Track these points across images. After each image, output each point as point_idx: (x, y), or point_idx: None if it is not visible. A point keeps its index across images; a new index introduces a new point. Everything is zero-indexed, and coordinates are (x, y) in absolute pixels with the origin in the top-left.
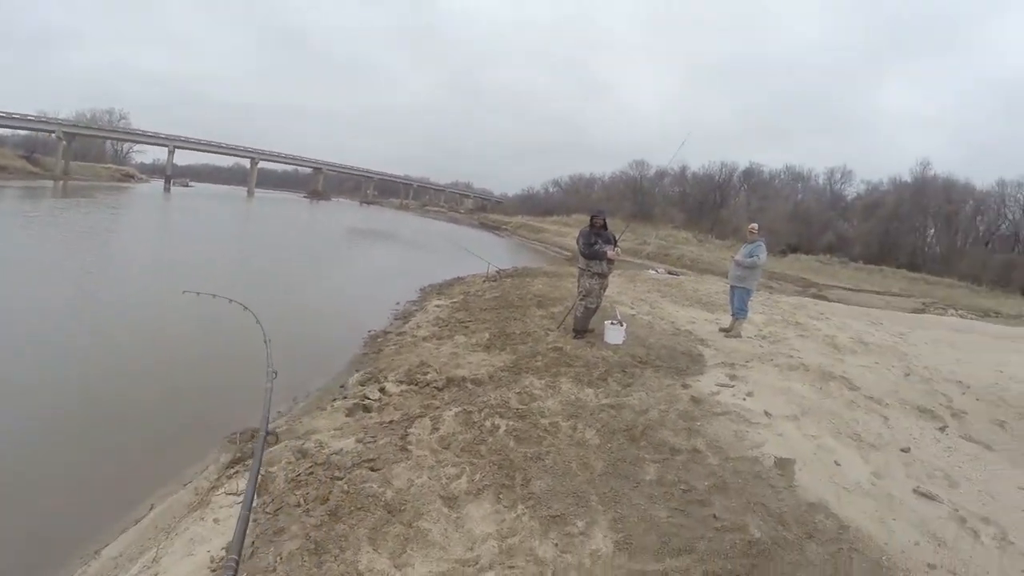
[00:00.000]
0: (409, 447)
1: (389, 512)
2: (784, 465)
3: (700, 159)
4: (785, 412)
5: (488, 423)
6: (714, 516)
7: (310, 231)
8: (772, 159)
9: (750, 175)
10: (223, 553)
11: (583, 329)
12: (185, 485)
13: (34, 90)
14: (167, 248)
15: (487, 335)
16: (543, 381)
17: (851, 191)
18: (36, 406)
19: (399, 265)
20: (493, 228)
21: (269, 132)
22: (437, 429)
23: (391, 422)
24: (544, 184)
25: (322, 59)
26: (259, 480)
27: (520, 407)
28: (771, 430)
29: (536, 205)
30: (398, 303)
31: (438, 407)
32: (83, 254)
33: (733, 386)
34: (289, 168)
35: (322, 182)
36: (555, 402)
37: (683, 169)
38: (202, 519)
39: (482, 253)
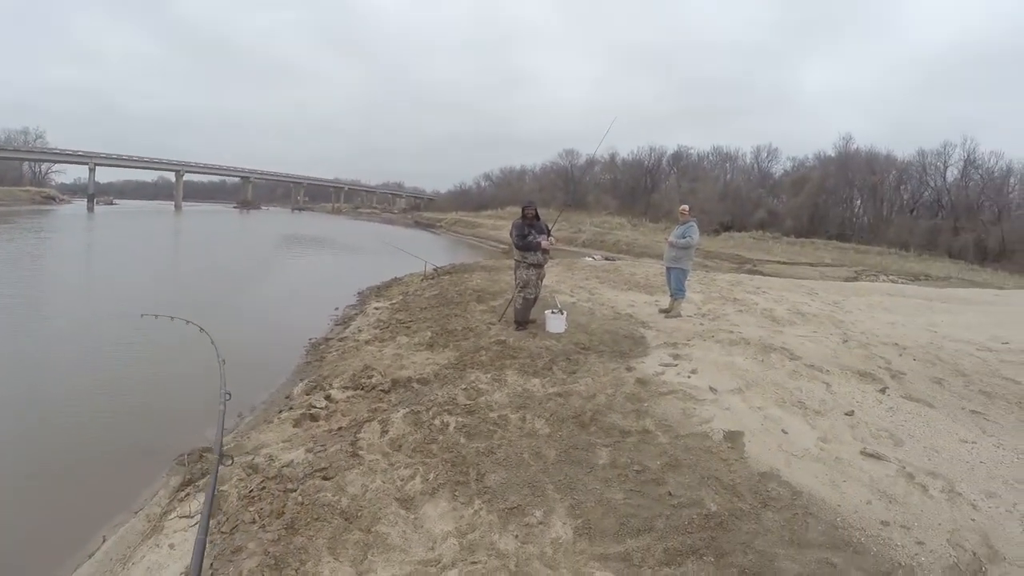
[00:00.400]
0: (360, 452)
1: (346, 520)
2: (734, 438)
3: (629, 145)
4: (730, 386)
5: (437, 421)
6: (669, 493)
7: (243, 242)
8: (700, 141)
9: (679, 158)
10: None
11: (524, 320)
12: (136, 512)
13: None
14: (101, 269)
15: (429, 334)
16: (489, 375)
17: (778, 168)
18: None
19: (335, 270)
20: (428, 226)
21: (194, 144)
22: (387, 432)
23: (340, 429)
24: (476, 179)
25: (241, 64)
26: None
27: (468, 403)
28: (718, 405)
29: (469, 200)
30: (337, 308)
31: (386, 410)
32: (13, 282)
33: (677, 365)
34: (216, 179)
35: (251, 191)
36: (502, 395)
37: (612, 156)
38: (157, 546)
39: (418, 252)
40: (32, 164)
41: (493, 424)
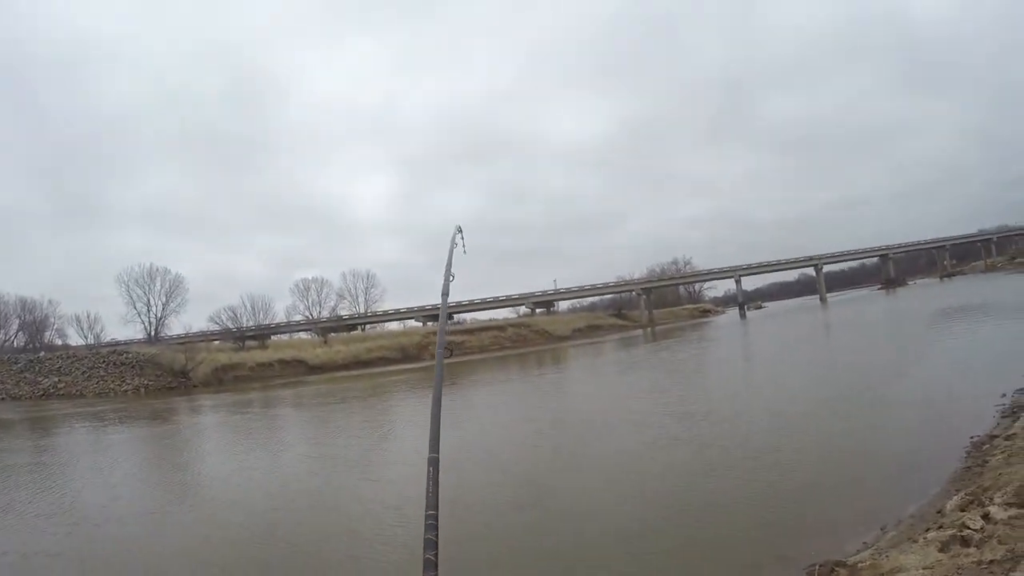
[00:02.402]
0: None
1: None
2: None
3: None
4: None
5: None
6: None
7: (892, 324)
8: None
9: None
10: None
11: None
12: None
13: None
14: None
15: None
16: None
17: None
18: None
19: (998, 345)
20: None
21: (825, 234)
22: None
23: (991, 562)
24: None
25: (839, 143)
26: None
27: None
28: None
29: None
30: (1004, 395)
31: None
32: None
33: None
34: (855, 263)
35: (892, 267)
36: None
37: None
38: None
39: None
40: (687, 286)
41: None
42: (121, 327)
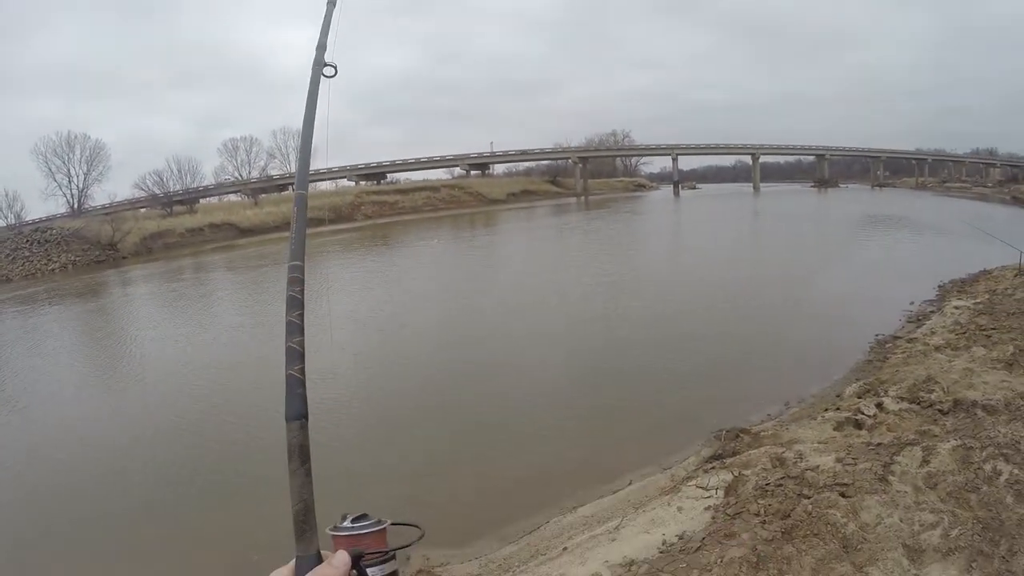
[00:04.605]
0: (890, 478)
1: (843, 547)
2: None
3: None
4: None
5: (988, 467)
6: None
7: (821, 221)
8: None
9: None
10: (676, 539)
11: None
12: (664, 470)
13: (544, 126)
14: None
15: (1011, 348)
16: None
17: None
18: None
19: (918, 257)
20: None
21: (766, 127)
22: (928, 463)
23: (878, 445)
24: None
25: (792, 39)
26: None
27: None
28: None
29: None
30: (912, 303)
31: (936, 435)
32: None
33: None
34: (791, 159)
35: (827, 169)
36: None
37: None
38: (668, 504)
39: (1011, 238)
40: (623, 159)
41: None
42: (42, 202)
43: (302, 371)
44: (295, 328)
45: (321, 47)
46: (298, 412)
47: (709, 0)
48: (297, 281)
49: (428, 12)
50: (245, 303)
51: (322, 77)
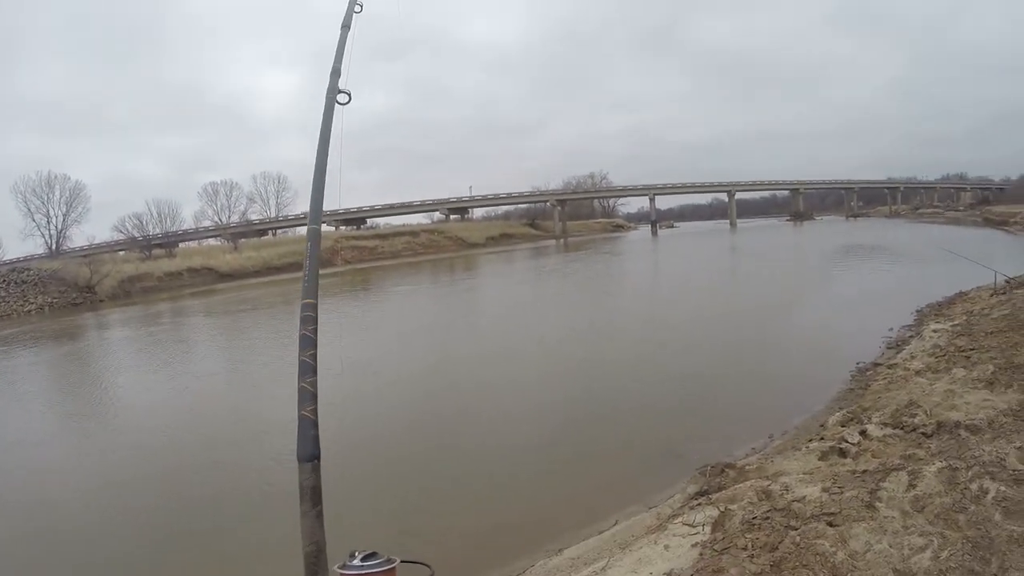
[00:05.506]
0: (877, 504)
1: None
2: None
3: None
4: None
5: (974, 486)
6: None
7: (797, 253)
8: None
9: None
10: None
11: None
12: (650, 508)
13: (522, 167)
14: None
15: (991, 367)
16: None
17: None
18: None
19: (892, 283)
20: (999, 223)
21: (742, 163)
22: (914, 486)
23: (864, 472)
24: None
25: (764, 76)
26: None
27: (1020, 467)
28: None
29: None
30: (891, 329)
31: (921, 459)
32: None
33: None
34: (767, 194)
35: (802, 202)
36: None
37: None
38: (655, 542)
39: (985, 259)
40: (601, 200)
41: None
42: (20, 242)
43: (315, 411)
44: (308, 368)
45: (335, 72)
46: (311, 453)
47: (685, 41)
48: (310, 320)
49: (405, 56)
50: (222, 349)
51: (336, 104)
